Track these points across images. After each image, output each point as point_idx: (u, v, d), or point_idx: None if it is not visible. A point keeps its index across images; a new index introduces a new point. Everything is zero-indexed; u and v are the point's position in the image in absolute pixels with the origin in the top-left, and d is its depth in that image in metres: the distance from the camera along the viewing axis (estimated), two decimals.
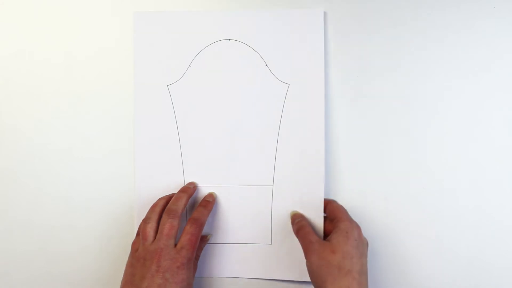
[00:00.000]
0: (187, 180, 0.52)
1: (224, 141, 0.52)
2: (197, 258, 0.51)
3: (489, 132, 0.52)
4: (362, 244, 0.46)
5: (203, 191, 0.52)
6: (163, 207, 0.48)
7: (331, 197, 0.52)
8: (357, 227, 0.47)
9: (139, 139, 0.52)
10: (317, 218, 0.51)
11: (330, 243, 0.46)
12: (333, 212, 0.49)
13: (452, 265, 0.52)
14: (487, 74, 0.52)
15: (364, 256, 0.46)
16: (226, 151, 0.52)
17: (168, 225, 0.46)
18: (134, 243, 0.48)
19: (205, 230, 0.52)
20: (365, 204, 0.52)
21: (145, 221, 0.47)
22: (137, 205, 0.52)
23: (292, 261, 0.51)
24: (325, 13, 0.52)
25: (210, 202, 0.51)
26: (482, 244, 0.52)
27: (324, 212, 0.50)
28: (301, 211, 0.51)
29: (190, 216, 0.49)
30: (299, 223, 0.49)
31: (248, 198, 0.52)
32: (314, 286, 0.45)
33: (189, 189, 0.50)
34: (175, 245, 0.46)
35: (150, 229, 0.46)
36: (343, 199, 0.52)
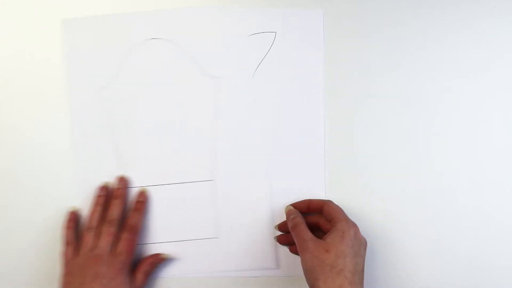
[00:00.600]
0: (131, 183, 0.52)
1: (160, 140, 0.52)
2: (146, 274, 0.50)
3: (489, 132, 0.52)
4: (358, 244, 0.46)
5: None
6: (100, 214, 0.50)
7: (332, 196, 0.52)
8: (354, 226, 0.47)
9: (77, 145, 0.52)
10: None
11: (325, 242, 0.46)
12: (330, 213, 0.49)
13: (452, 265, 0.52)
14: (487, 74, 0.52)
15: (359, 256, 0.45)
16: (164, 150, 0.52)
17: (108, 233, 0.49)
18: (66, 253, 0.49)
19: (153, 235, 0.52)
20: (365, 204, 0.52)
21: (87, 230, 0.50)
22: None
23: (241, 254, 0.52)
24: (324, 13, 0.52)
25: (143, 202, 0.52)
26: (482, 244, 0.52)
27: (321, 213, 0.50)
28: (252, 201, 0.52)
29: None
30: (293, 220, 0.49)
31: (190, 194, 0.52)
32: (308, 283, 0.45)
33: (121, 192, 0.51)
34: (113, 251, 0.48)
35: (92, 237, 0.49)
36: (343, 199, 0.52)
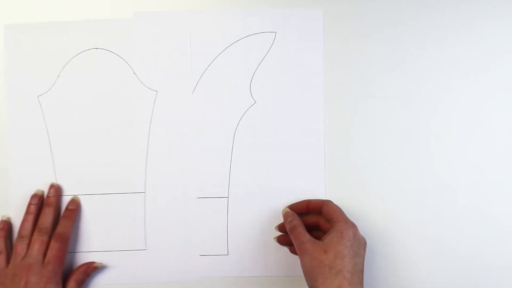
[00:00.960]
0: (65, 191, 0.52)
1: (95, 149, 0.52)
2: (79, 283, 0.50)
3: (489, 132, 0.52)
4: (357, 244, 0.46)
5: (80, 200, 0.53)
6: (33, 222, 0.50)
7: (332, 196, 0.52)
8: (352, 226, 0.47)
9: (13, 151, 0.52)
10: None
11: (323, 243, 0.46)
12: (328, 213, 0.49)
13: (452, 265, 0.52)
14: (487, 74, 0.52)
15: (358, 256, 0.45)
16: (98, 160, 0.52)
17: (39, 241, 0.49)
18: None
19: (84, 244, 0.52)
20: (365, 204, 0.52)
21: (18, 239, 0.49)
22: (13, 218, 0.52)
23: (168, 266, 0.52)
24: (324, 13, 0.52)
25: (73, 210, 0.51)
26: (482, 244, 0.52)
27: (321, 213, 0.50)
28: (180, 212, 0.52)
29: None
30: (291, 222, 0.49)
31: (121, 205, 0.52)
32: (307, 285, 0.45)
33: (53, 200, 0.51)
34: (44, 260, 0.48)
35: (24, 246, 0.49)
36: (343, 199, 0.52)
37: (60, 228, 0.50)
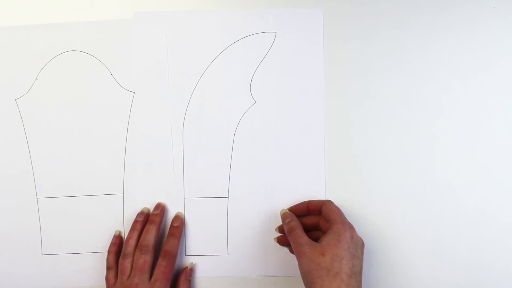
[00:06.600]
0: (39, 194, 0.52)
1: (73, 151, 0.52)
2: None
3: (489, 132, 0.52)
4: (354, 246, 0.46)
5: (58, 202, 0.52)
6: (137, 240, 0.50)
7: (331, 196, 0.52)
8: (350, 228, 0.46)
9: None
10: None
11: (320, 245, 0.45)
12: (327, 214, 0.48)
13: (452, 265, 0.52)
14: (488, 74, 0.52)
15: (356, 258, 0.45)
16: (76, 161, 0.52)
17: (142, 260, 0.48)
18: (107, 278, 0.50)
19: (61, 245, 0.52)
20: (365, 204, 0.52)
21: (123, 257, 0.49)
22: None
23: None
24: (324, 13, 0.52)
25: (178, 227, 0.51)
26: (483, 244, 0.52)
27: (320, 213, 0.50)
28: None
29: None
30: (289, 224, 0.49)
31: (99, 207, 0.52)
32: (305, 287, 0.45)
33: (157, 218, 0.51)
34: (150, 278, 0.48)
35: (128, 264, 0.49)
36: (343, 199, 0.52)
37: (167, 246, 0.50)
